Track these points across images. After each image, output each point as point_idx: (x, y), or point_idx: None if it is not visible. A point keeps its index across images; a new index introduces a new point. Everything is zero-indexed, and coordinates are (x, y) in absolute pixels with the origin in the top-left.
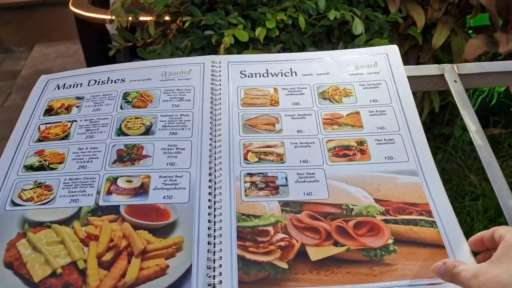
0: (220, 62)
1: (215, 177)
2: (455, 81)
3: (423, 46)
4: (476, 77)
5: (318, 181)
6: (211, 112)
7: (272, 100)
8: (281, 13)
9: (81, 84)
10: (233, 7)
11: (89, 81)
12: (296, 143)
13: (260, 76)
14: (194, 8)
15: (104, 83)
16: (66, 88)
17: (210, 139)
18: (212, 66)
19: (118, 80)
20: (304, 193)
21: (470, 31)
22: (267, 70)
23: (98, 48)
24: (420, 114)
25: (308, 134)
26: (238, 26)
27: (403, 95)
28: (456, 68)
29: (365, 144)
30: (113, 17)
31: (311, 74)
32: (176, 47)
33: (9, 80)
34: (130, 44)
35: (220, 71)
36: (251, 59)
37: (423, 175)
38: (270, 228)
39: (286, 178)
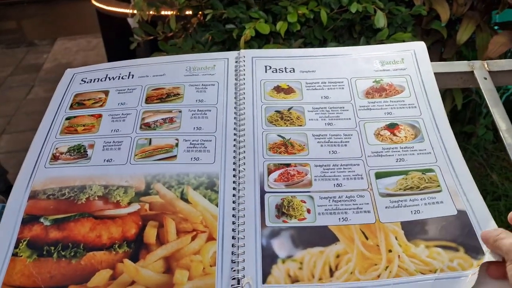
0: (244, 57)
1: (239, 172)
2: (485, 78)
3: (446, 41)
4: (507, 74)
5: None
6: (235, 107)
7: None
8: (302, 7)
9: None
10: (254, 1)
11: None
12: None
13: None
14: (216, 2)
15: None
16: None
17: (235, 134)
18: (236, 62)
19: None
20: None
21: (496, 27)
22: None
23: (119, 41)
24: None
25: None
26: (259, 20)
27: (430, 92)
28: (486, 65)
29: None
30: (135, 11)
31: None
32: (196, 40)
33: (32, 73)
34: (151, 37)
35: (244, 66)
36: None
37: (456, 176)
38: None
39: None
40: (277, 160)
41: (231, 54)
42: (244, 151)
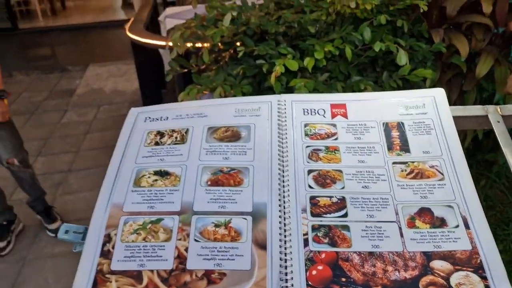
0: (285, 101)
1: (284, 202)
2: (498, 122)
3: (466, 74)
4: None
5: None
6: (279, 145)
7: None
8: (328, 44)
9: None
10: (283, 37)
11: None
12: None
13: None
14: (248, 39)
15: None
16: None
17: (279, 168)
18: (278, 104)
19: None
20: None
21: None
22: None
23: (150, 69)
24: (463, 141)
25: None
26: (288, 56)
27: (449, 134)
28: (499, 110)
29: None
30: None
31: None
32: (228, 73)
33: (65, 98)
34: (185, 70)
35: (285, 108)
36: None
37: (471, 220)
38: None
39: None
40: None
41: (274, 98)
42: (288, 184)
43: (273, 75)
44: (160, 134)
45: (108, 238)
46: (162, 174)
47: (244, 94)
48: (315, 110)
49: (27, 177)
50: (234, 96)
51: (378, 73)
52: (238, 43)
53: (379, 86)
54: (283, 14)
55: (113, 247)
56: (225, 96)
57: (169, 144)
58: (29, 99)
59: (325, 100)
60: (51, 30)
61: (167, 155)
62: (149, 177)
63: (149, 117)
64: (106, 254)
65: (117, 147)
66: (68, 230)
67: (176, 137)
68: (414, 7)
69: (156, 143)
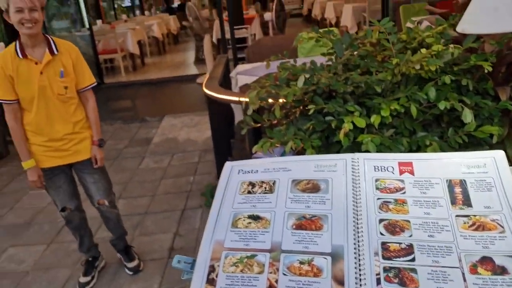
0: (358, 159)
1: (358, 246)
2: None
3: None
4: None
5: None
6: (353, 197)
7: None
8: (394, 102)
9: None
10: (350, 96)
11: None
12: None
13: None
14: (318, 98)
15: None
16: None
17: (354, 216)
18: (352, 162)
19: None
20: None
21: None
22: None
23: (222, 121)
24: None
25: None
26: (355, 113)
27: (508, 191)
28: None
29: None
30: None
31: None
32: (298, 128)
33: (143, 146)
34: (258, 125)
35: (358, 165)
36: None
37: None
38: None
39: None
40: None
41: (348, 156)
42: (362, 230)
43: (342, 131)
44: (252, 184)
45: (212, 269)
46: (255, 218)
47: (313, 148)
48: (384, 167)
49: (113, 217)
50: (304, 149)
51: (444, 129)
52: (308, 101)
53: (444, 141)
54: (350, 76)
55: (216, 276)
56: (296, 149)
57: (259, 193)
58: (112, 146)
59: (393, 158)
60: (132, 84)
61: (258, 202)
62: (244, 220)
63: (242, 170)
64: (211, 282)
65: (217, 193)
66: (180, 260)
67: (265, 188)
68: (479, 67)
69: (249, 192)
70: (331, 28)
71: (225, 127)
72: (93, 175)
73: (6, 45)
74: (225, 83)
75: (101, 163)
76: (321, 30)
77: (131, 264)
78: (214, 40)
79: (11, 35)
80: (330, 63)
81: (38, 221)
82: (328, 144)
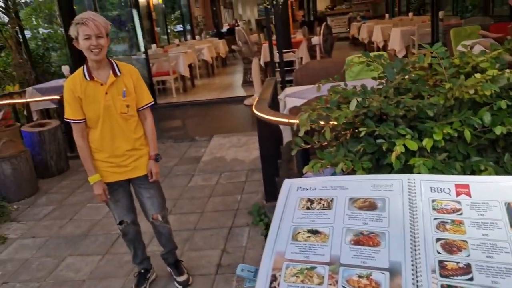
0: (414, 179)
1: (416, 263)
2: None
3: None
4: None
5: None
6: (410, 216)
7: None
8: (447, 126)
9: (315, 188)
10: (401, 119)
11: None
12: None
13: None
14: (369, 121)
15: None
16: (305, 190)
17: (411, 234)
18: (409, 182)
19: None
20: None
21: None
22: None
23: (270, 141)
24: None
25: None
26: (406, 136)
27: None
28: None
29: None
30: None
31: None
32: (348, 150)
33: (193, 164)
34: (308, 146)
35: (414, 185)
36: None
37: None
38: None
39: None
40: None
41: (404, 177)
42: (419, 248)
43: (394, 154)
44: (310, 201)
45: (274, 278)
46: (314, 232)
47: (364, 170)
48: (441, 188)
49: (165, 231)
50: (354, 170)
51: (499, 154)
52: (358, 123)
53: (501, 167)
54: (402, 99)
55: (278, 285)
56: (346, 171)
57: (318, 209)
58: (163, 164)
59: (450, 180)
60: (183, 105)
61: (317, 218)
62: (303, 234)
63: (301, 187)
64: None
65: (277, 209)
66: (244, 269)
67: (323, 204)
68: None
69: (308, 208)
70: (381, 52)
71: (273, 148)
72: (149, 190)
73: (70, 68)
74: (274, 105)
75: (157, 177)
76: (371, 54)
77: (180, 278)
78: (262, 63)
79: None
80: (380, 86)
81: (94, 232)
82: (379, 166)
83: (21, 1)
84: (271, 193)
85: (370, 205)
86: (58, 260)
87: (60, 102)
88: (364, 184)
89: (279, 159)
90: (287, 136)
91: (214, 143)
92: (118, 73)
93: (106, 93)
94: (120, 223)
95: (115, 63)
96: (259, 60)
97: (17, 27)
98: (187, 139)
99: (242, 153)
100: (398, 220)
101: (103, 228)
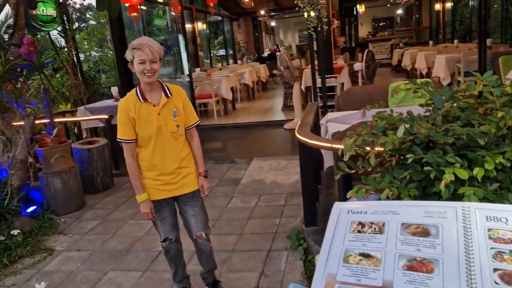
0: (469, 207)
1: None
2: None
3: None
4: None
5: None
6: (465, 244)
7: None
8: (499, 156)
9: (366, 212)
10: (450, 147)
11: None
12: None
13: (502, 221)
14: (417, 148)
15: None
16: (356, 213)
17: (466, 263)
18: (463, 210)
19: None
20: None
21: None
22: (508, 218)
23: (311, 165)
24: None
25: None
26: (456, 164)
27: None
28: None
29: None
30: (334, 145)
31: None
32: (393, 176)
33: (232, 185)
34: (353, 171)
35: (469, 214)
36: (494, 208)
37: None
38: None
39: None
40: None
41: (458, 204)
42: (475, 277)
43: (443, 182)
44: (361, 224)
45: None
46: (366, 256)
47: (410, 197)
48: (497, 217)
49: (207, 250)
50: (399, 197)
51: None
52: (404, 150)
53: None
54: (451, 127)
55: None
56: (391, 197)
57: (369, 233)
58: None
59: (507, 210)
60: (223, 127)
61: (368, 241)
62: (355, 256)
63: (351, 210)
64: None
65: (327, 231)
66: None
67: (374, 228)
68: None
69: (359, 231)
70: (427, 80)
71: (313, 173)
72: (194, 207)
73: (119, 89)
74: (315, 130)
75: (208, 192)
76: (418, 81)
77: None
78: (303, 88)
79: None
80: (427, 113)
81: (135, 248)
82: (425, 194)
83: (78, 26)
84: (311, 218)
85: (423, 232)
86: (101, 274)
87: (108, 122)
88: (417, 210)
89: (319, 184)
90: (328, 162)
91: (253, 165)
92: (169, 95)
93: (159, 114)
94: (164, 240)
95: (165, 85)
96: (300, 85)
97: (74, 51)
98: (227, 161)
99: (282, 176)
100: (452, 247)
101: (144, 244)
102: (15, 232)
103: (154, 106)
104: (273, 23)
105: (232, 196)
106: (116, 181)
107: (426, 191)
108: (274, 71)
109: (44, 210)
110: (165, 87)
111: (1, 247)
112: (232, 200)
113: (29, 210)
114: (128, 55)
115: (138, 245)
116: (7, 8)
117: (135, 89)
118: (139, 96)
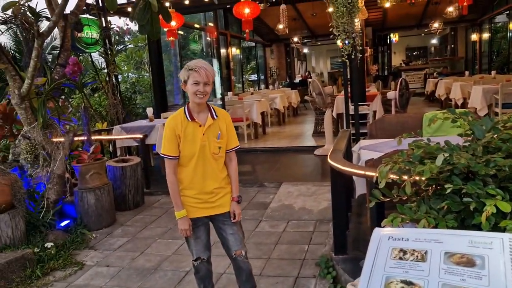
0: None
1: None
2: None
3: None
4: None
5: None
6: None
7: None
8: None
9: (408, 239)
10: (491, 178)
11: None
12: None
13: None
14: (457, 178)
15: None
16: (397, 240)
17: None
18: (510, 241)
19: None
20: None
21: None
22: None
23: (342, 192)
24: None
25: None
26: (497, 197)
27: None
28: None
29: None
30: (368, 173)
31: None
32: (430, 206)
33: (261, 209)
34: (387, 199)
35: None
36: None
37: None
38: None
39: None
40: None
41: (505, 236)
42: None
43: (484, 214)
44: (403, 251)
45: None
46: (408, 283)
47: (448, 228)
48: None
49: (246, 267)
50: (436, 227)
51: None
52: (442, 180)
53: None
54: (492, 158)
55: None
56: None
57: (411, 261)
58: None
59: None
60: (253, 150)
61: (410, 269)
62: (397, 284)
63: (392, 237)
64: None
65: (367, 257)
66: None
67: (417, 256)
68: None
69: (400, 258)
70: (466, 110)
71: (344, 199)
72: (232, 226)
73: (154, 109)
74: (347, 156)
75: (239, 218)
76: (457, 111)
77: None
78: (334, 114)
79: (158, 102)
80: (466, 144)
81: (163, 267)
82: (464, 226)
83: (118, 49)
84: (341, 246)
85: (468, 262)
86: None
87: (142, 141)
88: (461, 240)
89: (350, 212)
90: (359, 189)
91: (282, 190)
92: (215, 117)
93: (204, 134)
94: (196, 259)
95: (212, 107)
96: (332, 111)
97: (115, 72)
98: (256, 184)
99: (311, 202)
100: (499, 279)
101: (172, 264)
102: (48, 244)
103: (200, 126)
104: (305, 50)
105: (260, 220)
106: (147, 199)
107: (465, 223)
108: (306, 97)
109: (77, 224)
110: (212, 109)
111: (35, 258)
112: (260, 224)
113: (63, 224)
114: (183, 75)
115: (165, 264)
116: (55, 32)
117: (183, 108)
118: (187, 115)
